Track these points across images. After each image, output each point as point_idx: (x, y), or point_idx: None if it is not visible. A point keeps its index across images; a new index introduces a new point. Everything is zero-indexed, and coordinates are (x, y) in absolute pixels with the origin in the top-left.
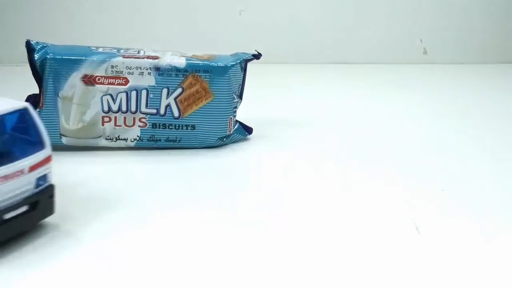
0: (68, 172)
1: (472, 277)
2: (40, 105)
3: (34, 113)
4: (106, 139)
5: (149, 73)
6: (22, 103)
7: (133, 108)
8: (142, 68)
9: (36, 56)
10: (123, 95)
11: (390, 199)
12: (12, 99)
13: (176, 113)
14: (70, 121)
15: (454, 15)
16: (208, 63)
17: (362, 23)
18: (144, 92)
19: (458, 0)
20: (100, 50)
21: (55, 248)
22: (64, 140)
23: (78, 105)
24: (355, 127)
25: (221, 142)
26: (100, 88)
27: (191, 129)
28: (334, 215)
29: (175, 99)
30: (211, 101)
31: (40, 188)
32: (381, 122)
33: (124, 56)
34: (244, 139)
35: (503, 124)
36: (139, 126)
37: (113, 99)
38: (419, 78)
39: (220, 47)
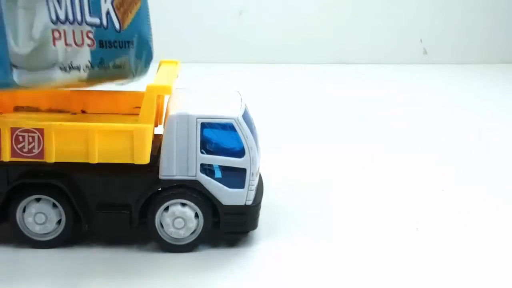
0: None
1: (470, 277)
2: None
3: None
4: (60, 68)
5: None
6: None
7: (78, 16)
8: None
9: None
10: None
11: (391, 200)
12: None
13: (117, 24)
14: (19, 39)
15: (454, 15)
16: None
17: (362, 23)
18: None
19: (458, 0)
20: None
21: None
22: (15, 75)
23: (24, 10)
24: (354, 127)
25: None
26: None
27: (131, 46)
28: (334, 214)
29: (111, 3)
30: (140, 5)
31: None
32: (381, 123)
33: None
34: None
35: (505, 125)
36: (88, 45)
37: (58, 1)
38: (419, 78)
39: (220, 47)
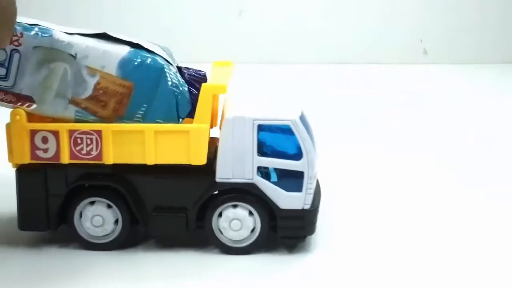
0: None
1: (470, 277)
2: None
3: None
4: None
5: None
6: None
7: None
8: None
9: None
10: None
11: (391, 200)
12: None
13: None
14: None
15: (454, 15)
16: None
17: (362, 23)
18: None
19: (458, 0)
20: None
21: None
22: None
23: None
24: (354, 127)
25: None
26: None
27: None
28: (333, 214)
29: None
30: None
31: None
32: (381, 123)
33: None
34: None
35: (505, 125)
36: None
37: None
38: (419, 78)
39: (220, 47)
